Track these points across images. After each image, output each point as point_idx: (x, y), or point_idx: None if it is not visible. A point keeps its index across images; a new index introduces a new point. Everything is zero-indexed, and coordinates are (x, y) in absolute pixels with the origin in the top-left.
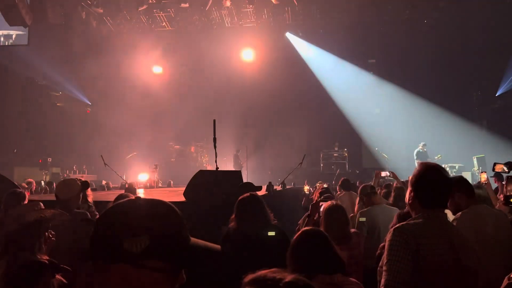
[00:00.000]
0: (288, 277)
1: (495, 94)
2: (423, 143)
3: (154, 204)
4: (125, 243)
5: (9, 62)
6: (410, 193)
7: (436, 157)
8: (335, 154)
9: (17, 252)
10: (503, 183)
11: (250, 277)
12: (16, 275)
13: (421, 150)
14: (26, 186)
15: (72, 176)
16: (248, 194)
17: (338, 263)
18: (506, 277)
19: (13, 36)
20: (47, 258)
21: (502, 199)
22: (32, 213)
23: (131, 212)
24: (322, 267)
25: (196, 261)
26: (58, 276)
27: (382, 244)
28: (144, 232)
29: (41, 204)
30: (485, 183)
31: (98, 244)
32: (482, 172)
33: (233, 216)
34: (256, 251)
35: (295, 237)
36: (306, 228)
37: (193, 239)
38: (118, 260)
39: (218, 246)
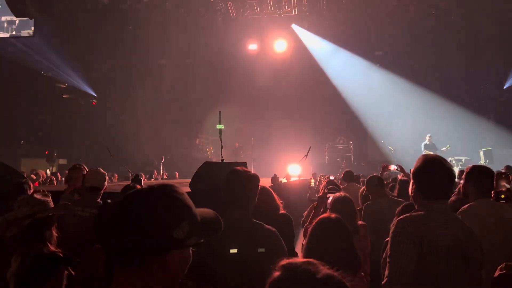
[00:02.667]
0: (322, 272)
1: (503, 87)
2: (429, 135)
3: (172, 191)
4: (173, 232)
5: (15, 53)
6: (412, 186)
7: (443, 148)
8: (340, 147)
9: (33, 244)
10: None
11: (284, 261)
12: (31, 267)
13: (428, 143)
14: (35, 178)
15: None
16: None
17: (352, 256)
18: (498, 268)
19: (16, 22)
20: (60, 250)
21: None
22: (47, 206)
23: (164, 204)
24: (337, 257)
25: (212, 228)
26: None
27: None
28: (183, 218)
29: (49, 195)
30: None
31: (143, 241)
32: None
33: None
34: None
35: (314, 223)
36: (326, 215)
37: (198, 210)
38: (169, 249)
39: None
